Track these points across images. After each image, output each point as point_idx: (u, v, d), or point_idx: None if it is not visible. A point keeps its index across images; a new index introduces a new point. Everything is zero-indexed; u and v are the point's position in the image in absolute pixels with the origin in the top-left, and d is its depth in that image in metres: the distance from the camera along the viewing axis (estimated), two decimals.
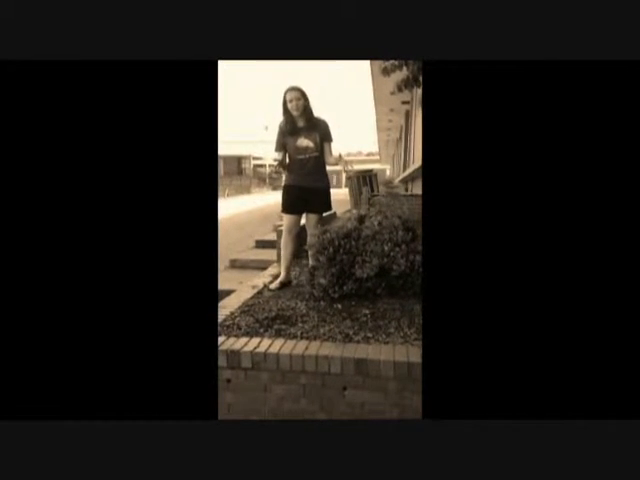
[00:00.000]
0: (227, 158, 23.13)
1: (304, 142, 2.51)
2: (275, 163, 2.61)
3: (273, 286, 2.59)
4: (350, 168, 2.52)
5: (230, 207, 9.63)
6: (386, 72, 2.84)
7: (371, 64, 6.67)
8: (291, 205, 2.60)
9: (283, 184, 2.69)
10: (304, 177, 2.54)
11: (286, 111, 2.46)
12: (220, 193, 17.00)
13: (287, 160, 2.60)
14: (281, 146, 2.58)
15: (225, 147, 21.84)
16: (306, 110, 2.46)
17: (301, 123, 2.49)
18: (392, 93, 3.23)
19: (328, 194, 2.63)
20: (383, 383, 1.60)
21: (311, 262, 2.45)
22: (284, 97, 2.45)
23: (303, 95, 2.44)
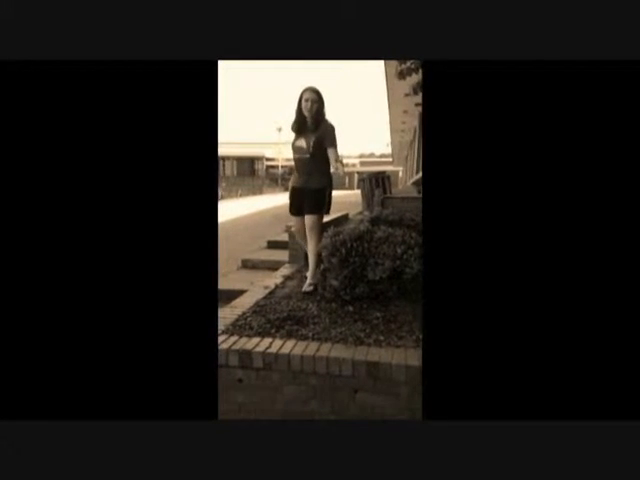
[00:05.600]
0: (240, 159, 23.28)
1: (300, 143, 2.52)
2: (287, 164, 2.65)
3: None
4: (341, 174, 2.46)
5: (242, 207, 9.70)
6: (402, 75, 2.84)
7: (386, 66, 6.64)
8: (293, 207, 2.64)
9: None
10: (300, 178, 2.57)
11: (299, 110, 2.47)
12: (232, 193, 17.10)
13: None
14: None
15: (238, 148, 21.94)
16: (318, 113, 2.46)
17: (310, 124, 2.49)
18: (406, 95, 3.22)
19: (322, 195, 2.52)
20: (394, 387, 1.58)
21: (324, 264, 2.45)
22: (300, 95, 2.46)
23: (319, 98, 2.45)
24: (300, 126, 2.51)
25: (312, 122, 2.47)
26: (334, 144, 2.48)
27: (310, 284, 2.52)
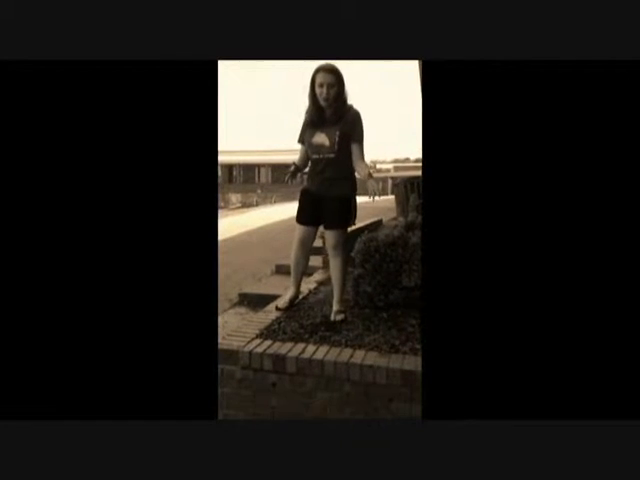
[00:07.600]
0: (275, 166, 23.73)
1: (319, 138, 1.98)
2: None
3: (282, 305, 2.24)
4: (376, 196, 1.83)
5: (277, 213, 9.86)
6: None
7: (420, 66, 6.56)
8: (304, 213, 2.13)
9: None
10: (319, 182, 2.06)
11: (313, 96, 1.93)
12: (267, 200, 17.45)
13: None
14: (302, 139, 2.09)
15: (273, 156, 22.39)
16: (338, 99, 1.91)
17: (329, 114, 1.96)
18: None
19: (347, 204, 2.04)
20: None
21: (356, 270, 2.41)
22: (313, 78, 1.90)
23: (338, 79, 1.89)
24: (318, 117, 1.97)
25: (333, 112, 1.94)
26: (361, 139, 1.99)
27: (339, 311, 2.06)
